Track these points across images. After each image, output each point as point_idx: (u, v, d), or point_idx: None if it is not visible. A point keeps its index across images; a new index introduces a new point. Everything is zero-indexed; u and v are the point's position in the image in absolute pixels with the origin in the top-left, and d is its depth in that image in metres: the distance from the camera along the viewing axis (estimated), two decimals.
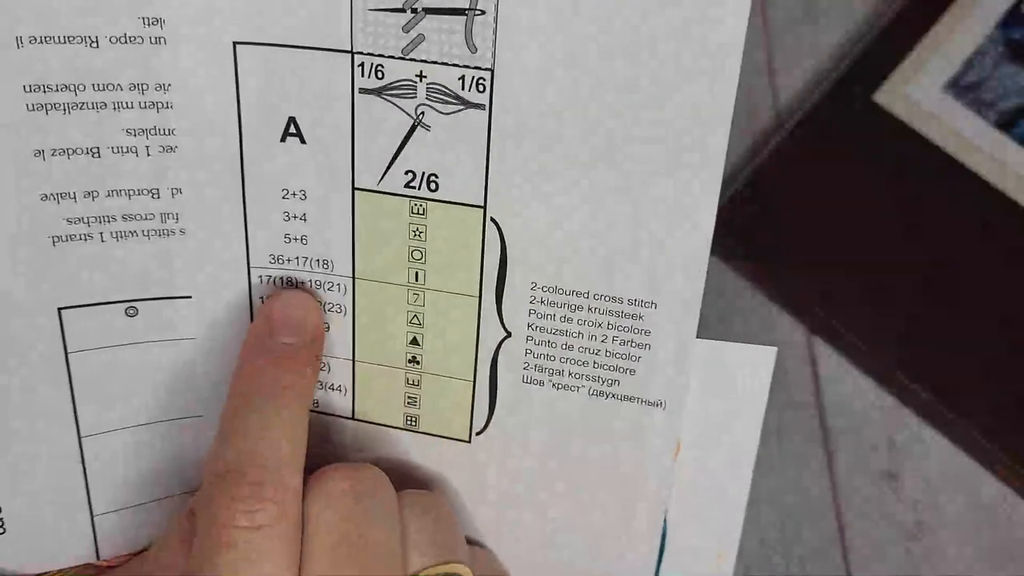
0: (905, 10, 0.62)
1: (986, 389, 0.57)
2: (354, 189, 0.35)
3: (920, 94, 0.60)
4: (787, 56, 0.63)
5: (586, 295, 0.35)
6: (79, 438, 0.37)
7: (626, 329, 0.35)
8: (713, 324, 0.36)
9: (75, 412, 0.36)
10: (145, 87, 0.33)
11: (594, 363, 0.36)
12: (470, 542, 0.38)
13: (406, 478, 0.39)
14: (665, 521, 0.39)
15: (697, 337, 0.35)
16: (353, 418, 0.38)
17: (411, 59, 0.33)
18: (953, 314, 0.58)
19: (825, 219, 0.59)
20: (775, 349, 0.37)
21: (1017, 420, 0.56)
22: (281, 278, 0.37)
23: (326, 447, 0.39)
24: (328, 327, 0.37)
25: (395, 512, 0.34)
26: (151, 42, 0.33)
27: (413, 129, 0.34)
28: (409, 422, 0.38)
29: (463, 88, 0.33)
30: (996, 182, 0.59)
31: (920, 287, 0.58)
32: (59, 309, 0.35)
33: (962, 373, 0.57)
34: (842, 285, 0.59)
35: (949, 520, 0.58)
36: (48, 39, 0.32)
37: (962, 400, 0.56)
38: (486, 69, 0.33)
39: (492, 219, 0.35)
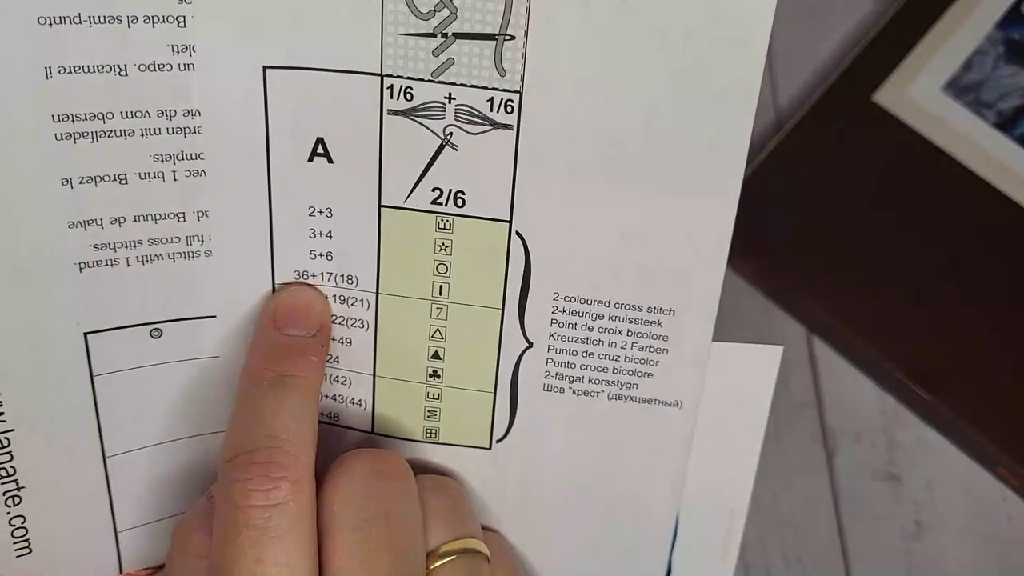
0: (905, 10, 0.62)
1: (986, 390, 0.57)
2: (381, 206, 0.35)
3: (920, 94, 0.60)
4: (787, 56, 0.63)
5: (607, 304, 0.36)
6: (104, 458, 0.37)
7: (645, 335, 0.36)
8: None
9: (100, 433, 0.36)
10: (173, 113, 0.33)
11: (613, 368, 0.37)
12: (483, 528, 0.39)
13: None
14: (677, 516, 0.40)
15: None
16: (373, 432, 0.39)
17: (440, 82, 0.33)
18: (953, 314, 0.58)
19: (825, 219, 0.60)
20: (780, 348, 0.37)
21: (1017, 420, 0.56)
22: None
23: None
24: (350, 342, 0.37)
25: (415, 492, 0.35)
26: (180, 69, 0.33)
27: (441, 149, 0.34)
28: (429, 434, 0.38)
29: (491, 110, 0.34)
30: (996, 182, 0.59)
31: (920, 287, 0.58)
32: (85, 334, 0.35)
33: (962, 373, 0.57)
34: (842, 285, 0.59)
35: (949, 520, 0.58)
36: (77, 69, 0.31)
37: (962, 400, 0.57)
38: (514, 91, 0.33)
39: (517, 232, 0.35)
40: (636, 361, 0.36)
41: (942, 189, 0.59)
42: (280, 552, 0.31)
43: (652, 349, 0.36)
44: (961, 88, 0.60)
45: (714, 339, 0.36)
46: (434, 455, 0.39)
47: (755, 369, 0.38)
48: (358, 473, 0.34)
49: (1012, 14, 0.60)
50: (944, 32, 0.61)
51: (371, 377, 0.38)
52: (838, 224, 0.59)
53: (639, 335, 0.36)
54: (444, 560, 0.34)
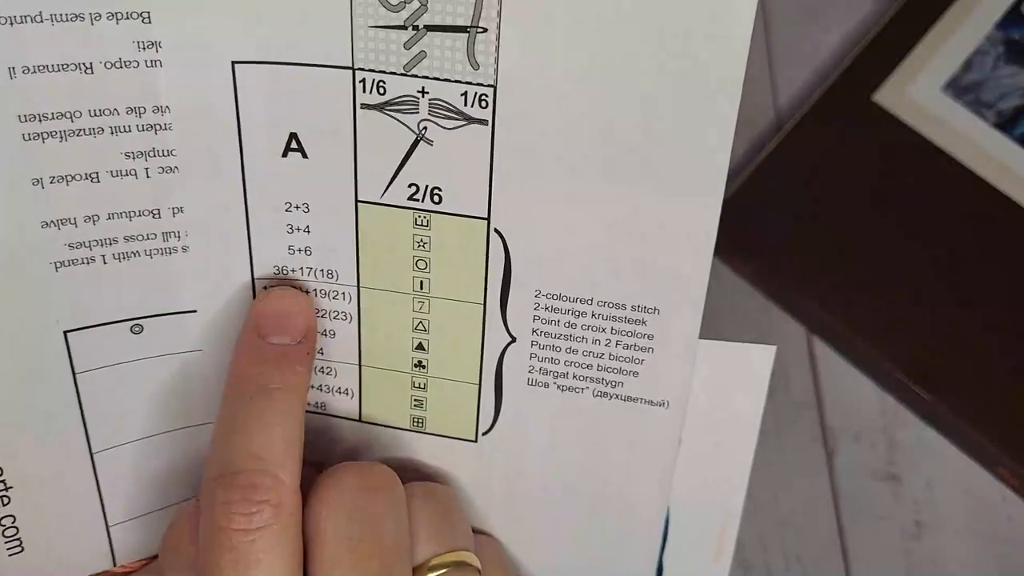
0: (905, 10, 0.62)
1: (986, 389, 0.57)
2: (357, 202, 0.35)
3: (920, 94, 0.60)
4: (787, 56, 0.63)
5: (589, 302, 0.36)
6: (91, 454, 0.37)
7: (629, 334, 0.36)
8: (712, 324, 0.36)
9: (86, 429, 0.37)
10: (142, 110, 0.33)
11: (598, 366, 0.36)
12: (475, 531, 0.39)
13: (413, 476, 0.39)
14: (667, 516, 0.40)
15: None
16: (360, 420, 0.39)
17: (413, 75, 0.33)
18: (953, 314, 0.58)
19: (825, 219, 0.59)
20: (774, 348, 0.37)
21: (1017, 420, 0.56)
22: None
23: (333, 449, 0.39)
24: (334, 334, 0.37)
25: (403, 506, 0.35)
26: (147, 65, 0.32)
27: (416, 144, 0.34)
28: (416, 423, 0.39)
29: (466, 104, 0.33)
30: (996, 182, 0.59)
31: (920, 287, 0.58)
32: (64, 332, 0.35)
33: (962, 373, 0.57)
34: (842, 285, 0.59)
35: (949, 520, 0.58)
36: (42, 68, 0.31)
37: (962, 400, 0.56)
38: (488, 85, 0.33)
39: (496, 230, 0.35)
40: (621, 359, 0.36)
41: (942, 189, 0.59)
42: (262, 574, 0.31)
43: (637, 348, 0.36)
44: (961, 88, 0.60)
45: (713, 339, 0.36)
46: (421, 446, 0.39)
47: (748, 369, 0.38)
48: (346, 487, 0.34)
49: (1012, 14, 0.60)
50: (944, 32, 0.60)
51: (357, 367, 0.38)
52: (838, 224, 0.59)
53: (623, 333, 0.36)
54: (434, 574, 0.34)
